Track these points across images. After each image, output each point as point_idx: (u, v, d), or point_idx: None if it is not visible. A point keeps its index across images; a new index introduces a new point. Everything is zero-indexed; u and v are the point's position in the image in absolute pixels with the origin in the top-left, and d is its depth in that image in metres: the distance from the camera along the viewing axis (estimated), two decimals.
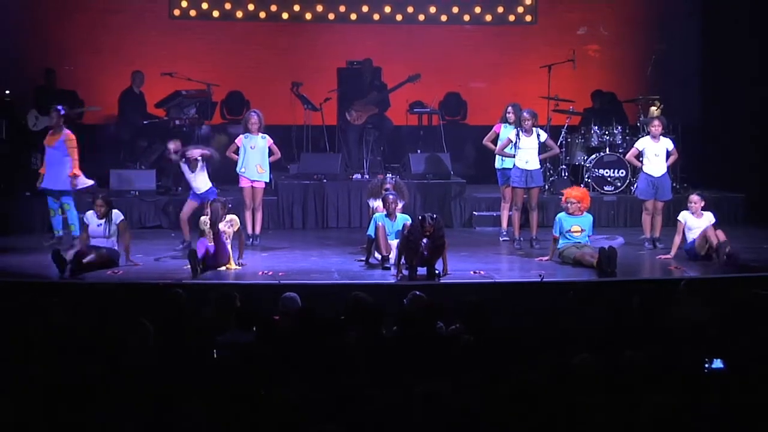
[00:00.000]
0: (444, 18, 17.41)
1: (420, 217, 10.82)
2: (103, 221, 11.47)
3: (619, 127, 15.21)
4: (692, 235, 11.86)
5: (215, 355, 6.80)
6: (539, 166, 12.84)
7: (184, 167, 12.47)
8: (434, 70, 16.28)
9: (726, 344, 6.52)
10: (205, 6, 17.06)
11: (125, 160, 15.33)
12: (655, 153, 12.65)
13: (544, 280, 10.53)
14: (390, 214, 11.50)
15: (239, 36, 16.90)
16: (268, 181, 13.07)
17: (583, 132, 15.40)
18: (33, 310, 7.66)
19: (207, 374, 5.95)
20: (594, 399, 5.43)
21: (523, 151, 12.65)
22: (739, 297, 8.35)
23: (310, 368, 6.04)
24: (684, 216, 11.98)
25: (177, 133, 14.63)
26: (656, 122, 12.82)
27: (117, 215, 11.58)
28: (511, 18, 17.54)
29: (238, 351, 6.66)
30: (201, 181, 12.46)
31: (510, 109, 13.23)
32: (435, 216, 10.79)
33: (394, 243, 11.29)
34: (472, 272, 11.19)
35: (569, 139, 15.21)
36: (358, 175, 14.89)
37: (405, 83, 15.51)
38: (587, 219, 11.86)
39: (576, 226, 11.73)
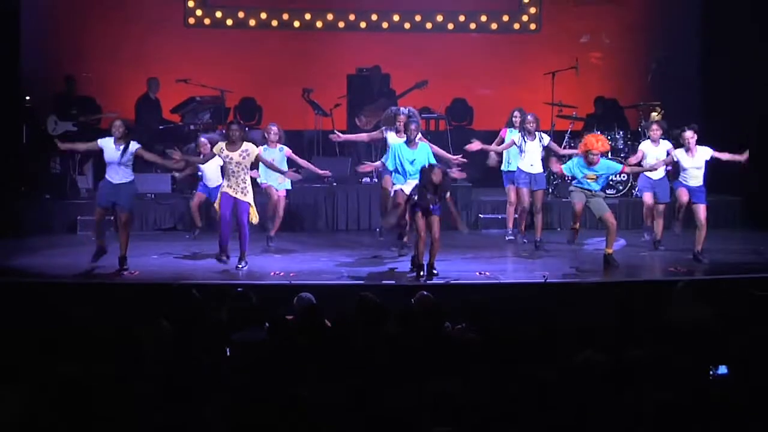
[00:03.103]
0: (451, 26, 17.46)
1: (428, 166, 10.85)
2: (121, 146, 11.04)
3: (621, 132, 15.25)
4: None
5: (228, 353, 6.84)
6: (543, 170, 12.88)
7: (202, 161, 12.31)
8: (441, 77, 16.32)
9: (724, 345, 6.54)
10: (219, 15, 17.14)
11: (141, 164, 15.35)
12: (655, 157, 12.62)
13: (548, 281, 10.56)
14: (410, 142, 11.40)
15: (252, 44, 16.97)
16: (290, 188, 12.94)
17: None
18: (53, 311, 7.71)
19: (223, 372, 6.00)
20: (599, 396, 5.47)
21: (528, 155, 12.69)
22: (736, 298, 8.38)
23: (323, 367, 6.07)
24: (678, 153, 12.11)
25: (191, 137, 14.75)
26: (655, 126, 12.80)
27: (134, 143, 11.12)
28: (516, 26, 17.58)
29: (252, 349, 6.71)
30: (213, 174, 12.43)
31: (516, 113, 13.25)
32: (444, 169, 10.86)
33: (411, 185, 11.27)
34: (477, 273, 11.23)
35: (572, 144, 15.24)
36: (368, 179, 14.92)
37: (413, 89, 15.55)
38: (602, 165, 11.58)
39: (591, 174, 11.54)
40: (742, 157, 12.08)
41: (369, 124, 15.55)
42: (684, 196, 12.00)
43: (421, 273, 10.81)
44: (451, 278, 10.92)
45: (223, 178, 11.57)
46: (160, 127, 15.40)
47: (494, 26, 17.53)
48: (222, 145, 11.30)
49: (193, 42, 16.83)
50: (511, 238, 13.27)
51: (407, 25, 17.43)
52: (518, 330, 6.75)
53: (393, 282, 10.85)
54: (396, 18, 17.39)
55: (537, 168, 12.76)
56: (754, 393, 5.57)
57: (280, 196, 12.70)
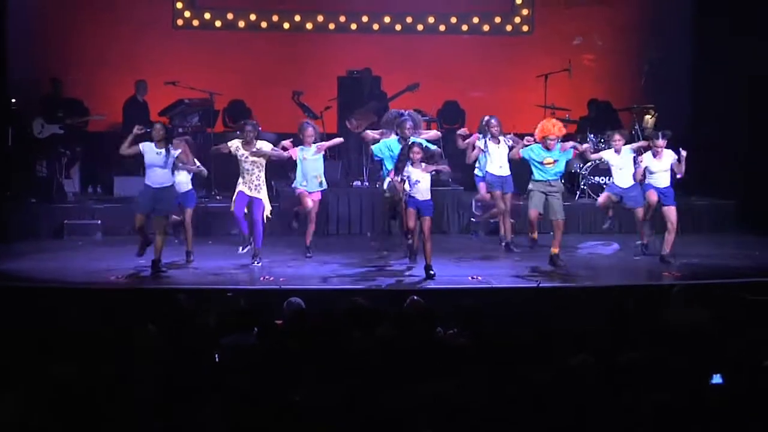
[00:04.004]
0: (442, 28, 17.50)
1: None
2: (162, 150, 11.32)
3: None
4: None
5: (217, 358, 6.86)
6: (510, 172, 13.01)
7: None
8: (433, 79, 16.34)
9: (719, 349, 6.58)
10: (207, 16, 17.15)
11: (129, 167, 15.36)
12: (619, 167, 12.54)
13: (540, 285, 10.61)
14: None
15: (241, 45, 16.97)
16: (326, 187, 12.74)
17: (578, 140, 15.41)
18: (41, 315, 7.72)
19: (212, 377, 6.02)
20: (594, 400, 5.51)
21: (494, 158, 12.85)
22: (729, 302, 8.42)
23: (313, 371, 6.10)
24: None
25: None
26: (617, 136, 12.60)
27: (174, 147, 11.43)
28: (509, 28, 17.62)
29: (242, 353, 6.73)
30: (184, 178, 12.12)
31: (486, 118, 13.36)
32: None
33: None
34: (469, 278, 11.27)
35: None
36: (358, 183, 14.95)
37: (404, 92, 15.56)
38: (558, 149, 11.92)
39: (549, 158, 11.88)
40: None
41: (360, 127, 15.55)
42: (653, 195, 12.15)
43: (413, 257, 11.37)
44: (443, 283, 10.96)
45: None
46: (148, 130, 15.35)
47: (486, 28, 17.58)
48: (237, 143, 11.73)
49: (181, 44, 16.84)
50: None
51: (398, 27, 17.46)
52: (511, 334, 6.78)
53: (384, 286, 10.88)
54: (387, 20, 17.43)
55: (505, 170, 12.98)
56: (751, 396, 5.62)
57: (314, 200, 12.32)
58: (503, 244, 12.98)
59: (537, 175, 11.97)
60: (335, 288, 10.71)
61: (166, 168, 11.37)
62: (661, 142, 12.21)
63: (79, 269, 11.66)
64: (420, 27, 17.47)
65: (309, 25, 17.35)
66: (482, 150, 12.96)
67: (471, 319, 7.55)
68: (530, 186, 12.06)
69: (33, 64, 15.76)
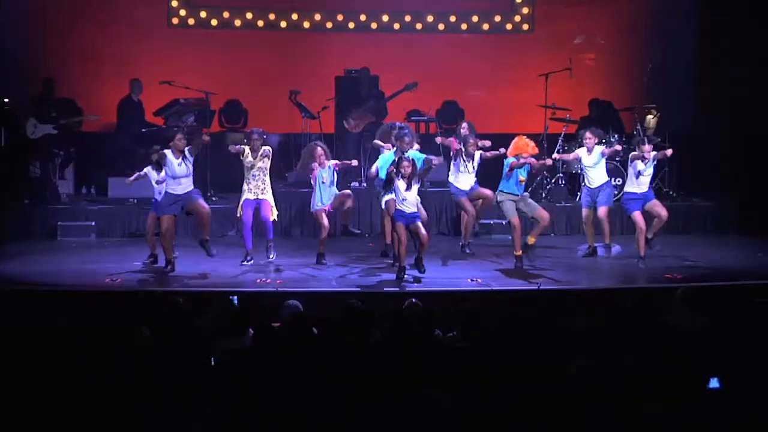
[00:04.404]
0: (441, 27, 17.48)
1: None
2: (180, 159, 11.67)
3: (616, 136, 15.20)
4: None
5: (213, 362, 6.84)
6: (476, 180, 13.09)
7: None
8: (432, 79, 16.33)
9: (722, 353, 6.56)
10: (203, 15, 17.12)
11: (124, 168, 15.35)
12: (590, 165, 12.67)
13: (541, 288, 10.59)
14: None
15: (237, 45, 16.95)
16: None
17: (580, 141, 15.41)
18: (34, 318, 7.70)
19: (208, 381, 5.99)
20: (592, 404, 5.48)
21: (462, 178, 12.86)
22: (735, 305, 8.40)
23: (309, 375, 6.07)
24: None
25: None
26: (588, 134, 12.71)
27: (190, 152, 11.77)
28: (509, 27, 17.60)
29: (237, 357, 6.70)
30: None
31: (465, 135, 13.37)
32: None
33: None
34: (469, 280, 11.26)
35: (566, 148, 15.23)
36: (356, 183, 14.92)
37: (402, 91, 15.56)
38: (526, 167, 12.21)
39: (522, 177, 12.22)
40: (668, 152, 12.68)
41: (357, 127, 15.58)
42: (641, 220, 12.14)
43: (403, 274, 11.30)
44: (443, 285, 10.94)
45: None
46: (143, 130, 15.37)
47: (486, 27, 17.56)
48: (246, 150, 12.00)
49: (176, 43, 16.81)
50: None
51: (396, 26, 17.44)
52: (511, 337, 6.76)
53: (382, 289, 10.87)
54: (385, 18, 17.40)
55: (471, 183, 12.96)
56: (752, 401, 5.59)
57: (329, 212, 12.30)
58: (461, 244, 12.92)
59: (506, 187, 12.26)
60: (332, 290, 10.70)
61: (190, 176, 11.80)
62: (647, 147, 12.29)
63: (72, 271, 11.65)
64: (419, 26, 17.44)
65: (306, 24, 17.32)
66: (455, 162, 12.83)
67: (471, 322, 7.53)
68: (500, 197, 12.31)
69: (25, 63, 15.73)
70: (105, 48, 16.31)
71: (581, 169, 12.92)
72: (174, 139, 11.81)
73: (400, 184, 11.40)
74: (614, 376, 5.87)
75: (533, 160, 12.22)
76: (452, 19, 17.46)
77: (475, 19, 17.52)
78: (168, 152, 11.67)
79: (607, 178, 12.75)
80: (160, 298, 9.27)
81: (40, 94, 15.42)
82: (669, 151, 12.65)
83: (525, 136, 12.45)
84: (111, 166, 15.18)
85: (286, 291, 10.16)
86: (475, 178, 12.82)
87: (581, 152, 12.81)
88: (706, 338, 7.05)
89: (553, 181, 15.23)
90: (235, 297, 9.04)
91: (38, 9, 16.15)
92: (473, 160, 12.65)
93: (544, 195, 14.83)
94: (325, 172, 12.17)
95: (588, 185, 12.79)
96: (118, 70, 16.05)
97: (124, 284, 10.95)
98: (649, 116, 15.79)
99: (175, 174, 11.64)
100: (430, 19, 17.43)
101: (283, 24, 17.31)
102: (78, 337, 6.85)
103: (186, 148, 11.73)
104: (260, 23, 17.28)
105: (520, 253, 12.16)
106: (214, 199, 14.69)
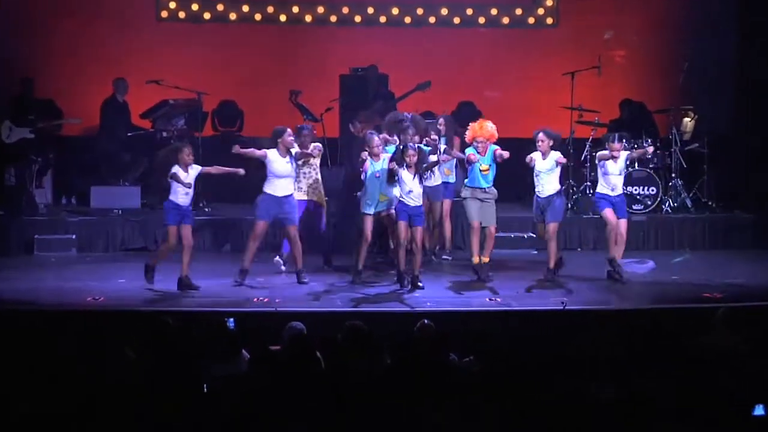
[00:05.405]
0: (457, 20, 17.55)
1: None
2: (286, 156, 12.01)
3: (649, 140, 15.21)
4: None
5: (206, 389, 6.89)
6: (440, 181, 13.34)
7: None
8: (446, 78, 16.38)
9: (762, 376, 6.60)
10: (195, 7, 17.21)
11: (107, 176, 15.43)
12: (543, 171, 12.34)
13: (566, 307, 10.62)
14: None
15: (233, 40, 17.02)
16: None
17: (606, 145, 15.41)
18: (8, 339, 7.75)
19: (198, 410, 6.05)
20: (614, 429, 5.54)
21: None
22: None
23: (312, 401, 6.13)
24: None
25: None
26: (541, 136, 12.36)
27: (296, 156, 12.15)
28: (531, 21, 17.66)
29: (233, 384, 6.75)
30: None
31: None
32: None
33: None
34: (487, 299, 11.30)
35: (594, 153, 15.24)
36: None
37: (414, 92, 15.59)
38: (489, 154, 12.28)
39: (485, 165, 12.26)
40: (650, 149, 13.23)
41: (364, 131, 15.59)
42: (611, 216, 12.26)
43: (403, 283, 11.55)
44: (457, 305, 10.98)
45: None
46: (129, 133, 15.45)
47: (506, 20, 17.62)
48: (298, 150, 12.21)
49: (165, 38, 16.89)
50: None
51: (408, 20, 17.51)
52: (530, 362, 6.79)
53: (390, 309, 10.89)
54: (395, 11, 17.48)
55: (437, 180, 13.25)
56: None
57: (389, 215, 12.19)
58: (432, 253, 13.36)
59: (469, 181, 12.36)
60: (336, 311, 10.71)
61: (292, 177, 12.15)
62: (617, 145, 12.34)
63: (51, 289, 11.67)
64: (432, 19, 17.51)
65: (308, 18, 17.41)
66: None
67: (488, 344, 7.56)
68: (464, 192, 12.39)
69: (0, 60, 15.81)
70: (87, 44, 16.41)
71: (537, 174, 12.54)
72: (181, 152, 11.81)
73: (405, 174, 11.57)
74: (638, 398, 5.92)
75: (499, 150, 12.25)
76: (469, 11, 17.53)
77: (493, 11, 17.58)
78: (176, 170, 11.68)
79: (559, 187, 12.41)
80: (146, 318, 9.32)
81: (16, 94, 15.50)
82: (650, 149, 12.95)
83: (487, 120, 12.55)
84: (93, 173, 15.26)
85: (287, 311, 10.19)
86: (440, 181, 13.23)
87: (535, 156, 12.42)
88: (749, 362, 7.08)
89: (580, 190, 15.25)
90: (232, 319, 9.08)
91: (14, 1, 16.23)
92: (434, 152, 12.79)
93: (570, 206, 14.86)
94: (378, 166, 12.02)
95: (537, 194, 12.42)
96: (102, 68, 16.13)
97: (107, 303, 10.98)
98: (686, 119, 15.84)
99: (279, 173, 12.00)
100: (444, 11, 17.50)
101: (283, 17, 17.39)
102: (56, 362, 6.90)
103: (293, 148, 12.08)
104: (257, 16, 17.36)
105: (477, 260, 12.27)
106: (207, 210, 14.76)
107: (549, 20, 17.67)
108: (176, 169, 11.66)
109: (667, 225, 14.71)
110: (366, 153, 12.13)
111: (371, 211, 12.00)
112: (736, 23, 16.72)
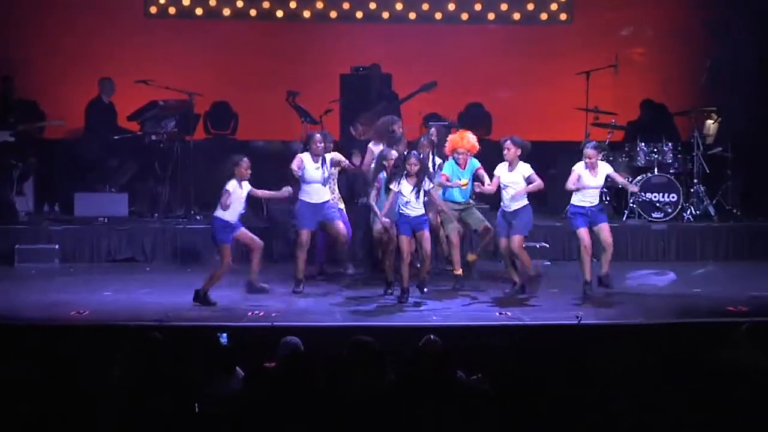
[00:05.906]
0: (465, 17, 17.57)
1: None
2: (319, 161, 12.26)
3: (670, 144, 15.24)
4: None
5: (198, 408, 6.88)
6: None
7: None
8: (453, 77, 16.40)
9: None
10: (186, 2, 17.23)
11: (93, 182, 15.42)
12: (505, 182, 12.14)
13: (581, 322, 10.59)
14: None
15: (226, 37, 17.03)
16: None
17: (627, 149, 15.45)
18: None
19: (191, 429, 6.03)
20: None
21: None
22: None
23: (310, 420, 6.12)
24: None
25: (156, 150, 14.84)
26: (508, 143, 12.14)
27: (328, 154, 12.37)
28: (544, 17, 17.69)
29: (225, 403, 6.74)
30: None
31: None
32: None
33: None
34: (498, 313, 11.28)
35: (611, 158, 15.23)
36: (365, 199, 14.93)
37: (419, 92, 15.57)
38: (470, 167, 12.36)
39: (464, 180, 12.30)
40: (632, 188, 13.25)
41: (366, 134, 15.58)
42: (586, 236, 12.07)
43: (406, 297, 11.64)
44: (465, 319, 10.96)
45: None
46: (115, 137, 15.44)
47: (517, 16, 17.64)
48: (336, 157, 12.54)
49: (155, 35, 16.91)
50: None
51: (412, 16, 17.53)
52: (544, 380, 6.77)
53: (394, 323, 10.88)
54: (399, 7, 17.49)
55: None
56: None
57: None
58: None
59: (449, 195, 12.43)
60: (337, 325, 10.70)
61: (325, 185, 12.37)
62: (592, 152, 12.20)
63: (32, 303, 11.65)
64: (438, 15, 17.54)
65: (306, 14, 17.42)
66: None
67: (499, 361, 7.55)
68: (440, 208, 12.32)
69: None
70: (71, 41, 16.43)
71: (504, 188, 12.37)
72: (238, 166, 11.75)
73: (405, 185, 11.58)
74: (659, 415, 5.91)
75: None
76: (477, 7, 17.55)
77: (504, 7, 17.60)
78: (233, 184, 11.63)
79: (526, 202, 12.16)
80: (133, 333, 9.30)
81: None
82: (634, 189, 13.38)
83: (467, 131, 12.55)
84: (78, 179, 15.25)
85: (283, 326, 10.17)
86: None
87: (500, 170, 12.20)
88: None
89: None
90: (225, 334, 9.06)
91: None
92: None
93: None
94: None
95: (503, 207, 12.22)
96: (87, 67, 16.16)
97: (92, 318, 10.96)
98: (709, 121, 15.81)
99: (311, 179, 12.23)
100: (451, 7, 17.52)
101: (280, 13, 17.41)
102: (36, 379, 6.89)
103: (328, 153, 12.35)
104: (253, 12, 17.38)
105: (459, 272, 12.39)
106: (198, 217, 14.75)
107: (563, 16, 17.69)
108: (233, 184, 11.61)
109: (689, 234, 14.67)
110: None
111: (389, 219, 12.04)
112: (762, 18, 16.71)
